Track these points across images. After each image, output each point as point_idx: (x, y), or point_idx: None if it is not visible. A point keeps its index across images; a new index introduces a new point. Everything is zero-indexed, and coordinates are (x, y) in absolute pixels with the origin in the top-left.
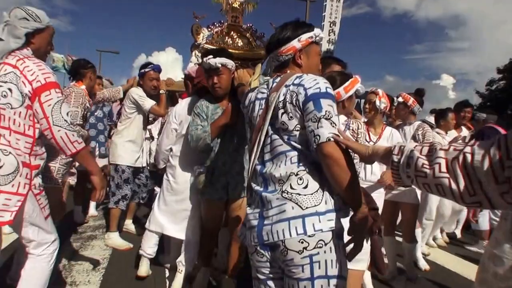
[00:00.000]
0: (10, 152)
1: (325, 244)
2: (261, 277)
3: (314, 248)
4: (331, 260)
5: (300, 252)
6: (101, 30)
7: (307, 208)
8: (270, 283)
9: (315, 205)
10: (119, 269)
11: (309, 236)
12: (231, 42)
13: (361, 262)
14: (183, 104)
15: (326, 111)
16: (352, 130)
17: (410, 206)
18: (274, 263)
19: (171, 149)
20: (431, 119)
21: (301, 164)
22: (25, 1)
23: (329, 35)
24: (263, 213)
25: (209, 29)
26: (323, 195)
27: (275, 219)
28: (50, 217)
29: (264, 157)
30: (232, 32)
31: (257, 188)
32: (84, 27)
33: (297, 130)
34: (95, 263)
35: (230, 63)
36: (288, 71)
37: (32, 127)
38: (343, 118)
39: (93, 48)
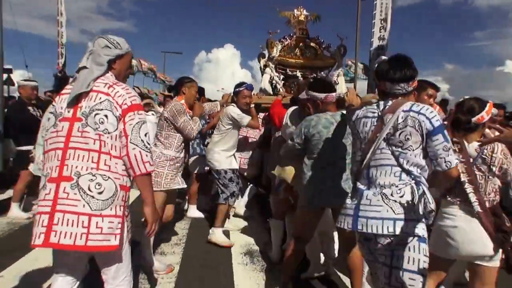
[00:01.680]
0: (109, 177)
1: (405, 244)
2: (367, 258)
3: (396, 245)
4: (408, 257)
5: (385, 246)
6: (163, 30)
7: (398, 214)
8: (371, 264)
9: (405, 213)
10: (196, 243)
11: (395, 235)
12: (299, 53)
13: (495, 260)
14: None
15: (450, 140)
16: (485, 156)
17: None
18: (369, 249)
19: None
20: None
21: (402, 178)
22: (96, 6)
23: (380, 32)
24: (360, 206)
25: (281, 42)
26: (414, 206)
27: (371, 215)
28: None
29: (370, 164)
30: (300, 44)
31: (361, 187)
32: (148, 28)
33: (409, 150)
34: (177, 238)
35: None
36: (400, 98)
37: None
38: (475, 144)
39: (156, 48)
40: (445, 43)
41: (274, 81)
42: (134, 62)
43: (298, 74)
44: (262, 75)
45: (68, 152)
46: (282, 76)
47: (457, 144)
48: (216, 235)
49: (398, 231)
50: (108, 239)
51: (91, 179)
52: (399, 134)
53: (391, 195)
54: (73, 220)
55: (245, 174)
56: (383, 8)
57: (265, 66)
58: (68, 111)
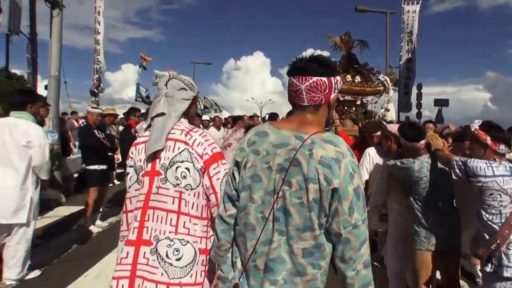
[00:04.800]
0: (187, 241)
1: None
2: None
3: None
4: None
5: None
6: (191, 37)
7: None
8: None
9: None
10: None
11: None
12: (350, 78)
13: None
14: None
15: None
16: None
17: None
18: None
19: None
20: None
21: None
22: (123, 14)
23: (407, 45)
24: None
25: None
26: None
27: None
28: None
29: None
30: (350, 70)
31: None
32: (176, 35)
33: None
34: None
35: None
36: None
37: (206, 207)
38: None
39: (184, 56)
40: (486, 50)
41: None
42: (165, 74)
43: (348, 98)
44: None
45: (147, 213)
46: None
47: None
48: None
49: None
50: None
51: (169, 245)
52: None
53: None
54: None
55: None
56: (409, 21)
57: None
58: (147, 165)
